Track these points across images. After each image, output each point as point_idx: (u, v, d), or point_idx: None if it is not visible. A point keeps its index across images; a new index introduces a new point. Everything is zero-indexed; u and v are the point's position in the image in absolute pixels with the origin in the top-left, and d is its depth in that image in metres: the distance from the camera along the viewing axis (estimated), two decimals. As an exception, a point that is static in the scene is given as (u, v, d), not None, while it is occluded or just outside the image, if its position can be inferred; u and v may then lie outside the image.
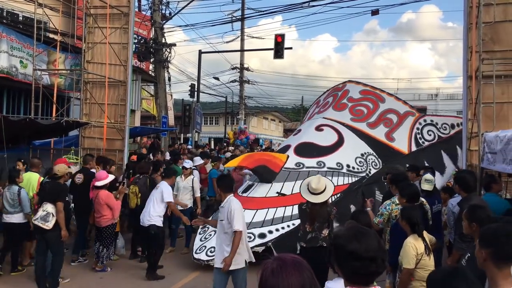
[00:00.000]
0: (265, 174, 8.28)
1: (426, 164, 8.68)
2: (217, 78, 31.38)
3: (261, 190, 8.17)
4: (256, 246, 6.92)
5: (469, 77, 8.16)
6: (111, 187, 7.38)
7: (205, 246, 7.23)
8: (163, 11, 18.43)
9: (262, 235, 7.22)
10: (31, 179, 7.36)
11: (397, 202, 5.25)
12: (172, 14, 18.84)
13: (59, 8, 12.44)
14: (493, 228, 2.50)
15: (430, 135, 9.84)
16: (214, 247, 6.66)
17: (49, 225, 6.02)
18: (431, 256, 4.09)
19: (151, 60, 19.14)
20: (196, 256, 7.15)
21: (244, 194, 8.27)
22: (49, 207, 6.08)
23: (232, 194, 5.01)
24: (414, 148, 9.57)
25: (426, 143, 9.72)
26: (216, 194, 7.21)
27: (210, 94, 35.44)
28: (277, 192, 8.07)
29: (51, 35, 13.46)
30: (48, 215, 6.01)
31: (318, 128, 9.82)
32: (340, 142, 9.32)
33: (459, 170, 8.02)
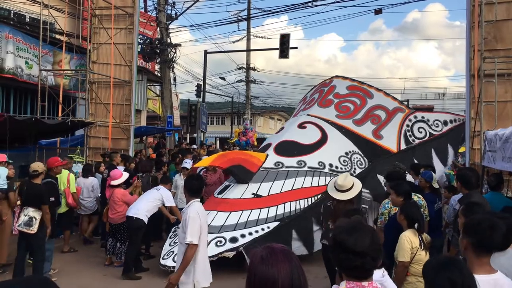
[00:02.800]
0: (241, 174, 7.79)
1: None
2: (223, 78, 31.46)
3: (236, 191, 7.65)
4: (227, 251, 6.58)
5: (472, 76, 8.15)
6: (124, 183, 7.73)
7: (173, 252, 6.72)
8: (169, 12, 18.54)
9: (233, 239, 6.77)
10: (62, 176, 7.77)
11: None
12: (178, 15, 18.93)
13: (64, 9, 12.58)
14: (478, 219, 2.55)
15: (421, 132, 9.33)
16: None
17: (33, 229, 5.97)
18: (427, 252, 4.11)
19: (157, 60, 19.26)
20: (162, 262, 6.71)
21: (219, 196, 7.80)
22: (30, 212, 6.00)
23: (198, 199, 4.31)
24: (403, 146, 9.07)
25: (417, 141, 9.20)
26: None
27: (216, 94, 35.56)
28: (253, 193, 7.57)
29: (57, 36, 13.60)
30: (31, 220, 5.96)
31: (301, 126, 9.27)
32: (323, 140, 8.79)
33: (459, 167, 8.02)
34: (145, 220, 6.93)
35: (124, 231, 7.28)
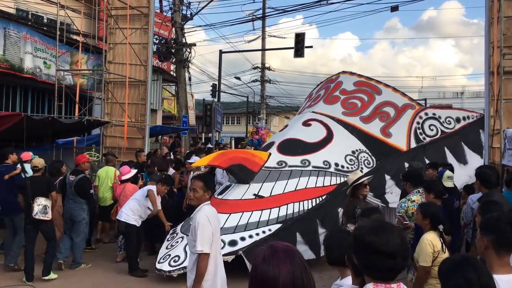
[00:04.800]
0: (241, 174, 7.42)
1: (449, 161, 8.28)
2: (238, 78, 31.47)
3: (237, 192, 7.28)
4: (225, 255, 6.13)
5: (491, 73, 7.99)
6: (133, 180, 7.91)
7: (170, 255, 6.43)
8: (184, 12, 18.63)
9: (232, 243, 6.44)
10: (109, 172, 8.58)
11: (413, 199, 5.16)
12: (193, 14, 19.01)
13: (81, 9, 12.73)
14: (495, 216, 2.46)
15: (432, 130, 8.82)
16: (178, 256, 6.23)
17: (49, 216, 6.38)
18: (448, 253, 4.00)
19: (172, 60, 19.37)
20: (158, 266, 6.36)
21: (220, 196, 7.46)
22: (42, 201, 6.35)
23: (208, 202, 3.95)
24: (413, 145, 8.59)
25: (428, 139, 8.69)
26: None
27: (231, 94, 35.63)
28: (254, 194, 7.19)
29: (74, 36, 13.78)
30: (45, 208, 6.33)
31: (306, 123, 8.84)
32: (328, 138, 8.38)
33: (479, 166, 7.83)
34: (135, 223, 6.80)
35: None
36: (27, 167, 7.29)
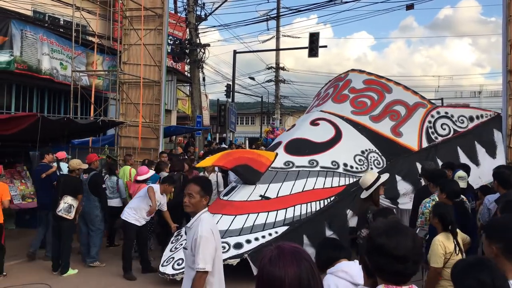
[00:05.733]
0: (247, 175, 7.26)
1: (462, 162, 8.08)
2: (252, 78, 31.49)
3: (243, 193, 7.13)
4: (230, 258, 6.04)
5: (509, 72, 7.86)
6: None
7: (173, 258, 6.27)
8: (198, 12, 18.69)
9: (238, 245, 6.26)
10: (125, 171, 9.26)
11: (437, 199, 5.07)
12: (207, 15, 19.06)
13: (96, 11, 12.87)
14: (503, 221, 2.36)
15: (444, 129, 8.56)
16: (182, 259, 5.84)
17: (71, 215, 6.77)
18: (463, 255, 3.92)
19: (187, 60, 19.47)
20: (161, 269, 6.21)
21: (225, 198, 7.32)
22: (69, 200, 6.77)
23: (206, 209, 3.40)
24: (425, 144, 8.33)
25: (440, 139, 8.43)
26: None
27: (245, 94, 35.68)
28: (261, 195, 7.02)
29: (89, 38, 13.94)
30: (70, 207, 6.73)
31: (314, 123, 8.61)
32: (337, 138, 8.16)
33: (497, 166, 7.66)
34: (134, 222, 6.78)
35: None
36: (63, 166, 7.99)
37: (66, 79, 12.42)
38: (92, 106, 11.54)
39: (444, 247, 3.87)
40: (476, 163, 8.14)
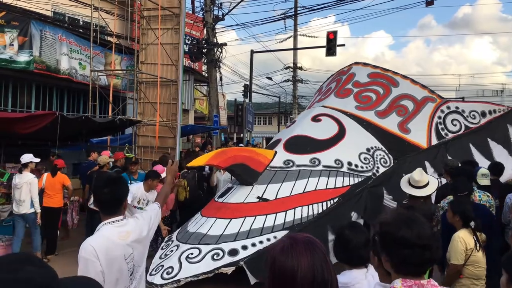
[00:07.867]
0: (244, 175, 6.74)
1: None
2: (270, 78, 31.41)
3: (239, 195, 6.59)
4: (224, 266, 5.54)
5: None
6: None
7: (163, 266, 5.75)
8: (215, 12, 18.72)
9: (233, 252, 5.72)
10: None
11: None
12: (224, 14, 19.07)
13: (114, 11, 12.98)
14: None
15: (455, 125, 8.04)
16: (172, 267, 5.61)
17: None
18: (483, 252, 3.80)
19: (204, 60, 19.51)
20: (149, 278, 5.51)
21: (220, 200, 6.78)
22: None
23: (112, 219, 2.53)
24: (434, 141, 7.82)
25: (450, 135, 7.91)
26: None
27: (263, 94, 35.62)
28: (258, 197, 6.48)
29: (108, 38, 14.07)
30: None
31: (315, 119, 8.03)
32: (340, 134, 7.59)
33: None
34: None
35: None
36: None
37: (85, 78, 12.56)
38: (110, 106, 11.65)
39: (465, 243, 3.76)
40: (492, 160, 7.55)
